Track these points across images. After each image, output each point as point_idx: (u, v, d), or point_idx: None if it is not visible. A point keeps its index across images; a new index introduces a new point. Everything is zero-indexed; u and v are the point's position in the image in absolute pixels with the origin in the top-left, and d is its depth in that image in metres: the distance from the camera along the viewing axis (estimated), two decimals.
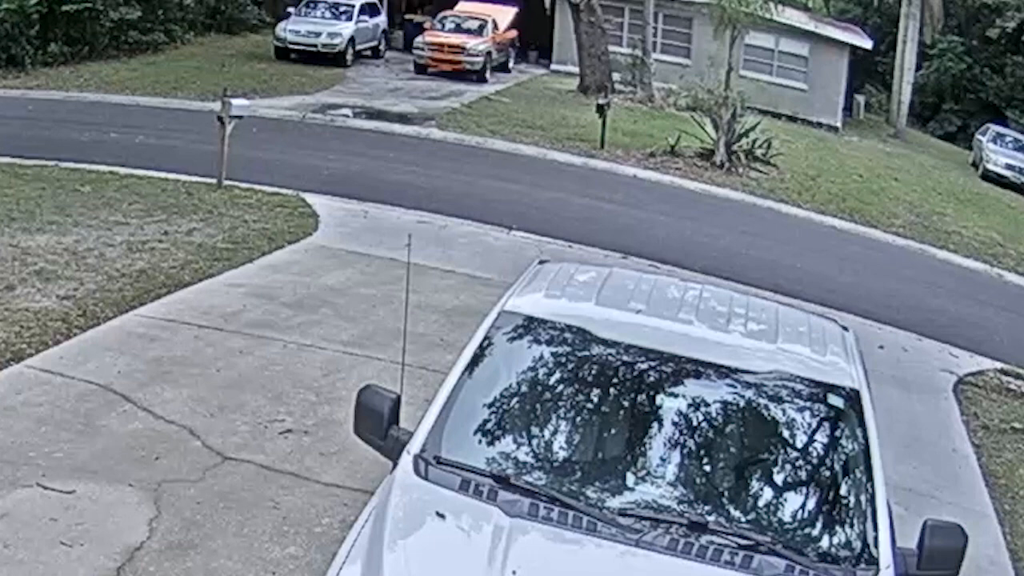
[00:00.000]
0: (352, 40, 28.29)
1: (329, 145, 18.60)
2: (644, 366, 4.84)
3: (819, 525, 4.38)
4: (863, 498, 4.38)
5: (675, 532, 4.09)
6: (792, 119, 29.29)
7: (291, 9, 28.90)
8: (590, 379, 4.86)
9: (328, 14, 28.54)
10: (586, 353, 4.91)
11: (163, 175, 14.61)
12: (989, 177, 29.48)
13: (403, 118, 22.03)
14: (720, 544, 4.05)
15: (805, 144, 26.23)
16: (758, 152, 21.48)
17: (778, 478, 4.55)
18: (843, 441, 4.68)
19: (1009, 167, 29.73)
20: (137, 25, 26.05)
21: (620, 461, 4.50)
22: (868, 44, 33.26)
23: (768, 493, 4.47)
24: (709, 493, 4.40)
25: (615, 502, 4.25)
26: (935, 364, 11.57)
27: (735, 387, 4.74)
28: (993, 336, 13.29)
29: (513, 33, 31.70)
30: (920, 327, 12.72)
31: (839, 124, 31.74)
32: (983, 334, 13.20)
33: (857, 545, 4.22)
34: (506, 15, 31.19)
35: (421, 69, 28.27)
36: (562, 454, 4.55)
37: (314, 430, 7.36)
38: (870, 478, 4.43)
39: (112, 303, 9.41)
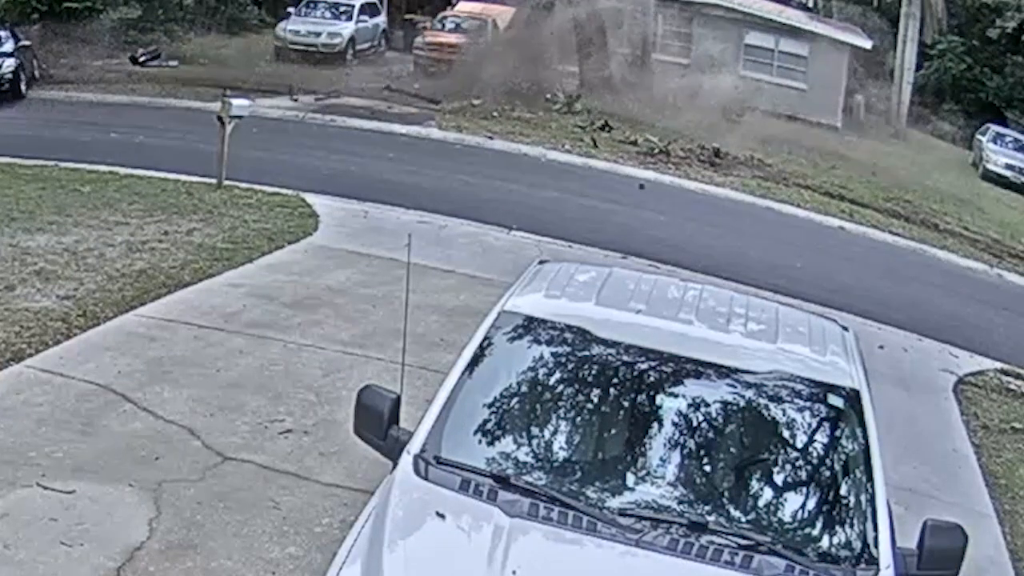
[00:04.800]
0: (352, 40, 28.29)
1: (329, 145, 18.59)
2: (644, 366, 4.83)
3: (819, 525, 4.38)
4: (863, 498, 4.37)
5: (675, 532, 4.09)
6: (791, 119, 29.28)
7: (291, 9, 28.90)
8: (590, 379, 4.86)
9: (328, 14, 28.56)
10: (586, 353, 4.90)
11: (163, 175, 14.61)
12: (989, 177, 29.49)
13: (403, 118, 22.03)
14: (720, 544, 4.04)
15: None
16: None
17: (778, 478, 4.55)
18: (843, 441, 4.68)
19: (1009, 167, 29.74)
20: (137, 25, 26.05)
21: (620, 461, 4.50)
22: (868, 44, 33.25)
23: (768, 493, 4.47)
24: (709, 493, 4.40)
25: (615, 502, 4.25)
26: (935, 364, 11.55)
27: (735, 387, 4.74)
28: (993, 336, 13.27)
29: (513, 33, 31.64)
30: (920, 327, 12.69)
31: (839, 124, 31.73)
32: (983, 334, 13.18)
33: (857, 545, 4.21)
34: (506, 15, 31.15)
35: None
36: (562, 454, 4.55)
37: (314, 430, 7.35)
38: (870, 478, 4.43)
39: (112, 303, 9.40)
